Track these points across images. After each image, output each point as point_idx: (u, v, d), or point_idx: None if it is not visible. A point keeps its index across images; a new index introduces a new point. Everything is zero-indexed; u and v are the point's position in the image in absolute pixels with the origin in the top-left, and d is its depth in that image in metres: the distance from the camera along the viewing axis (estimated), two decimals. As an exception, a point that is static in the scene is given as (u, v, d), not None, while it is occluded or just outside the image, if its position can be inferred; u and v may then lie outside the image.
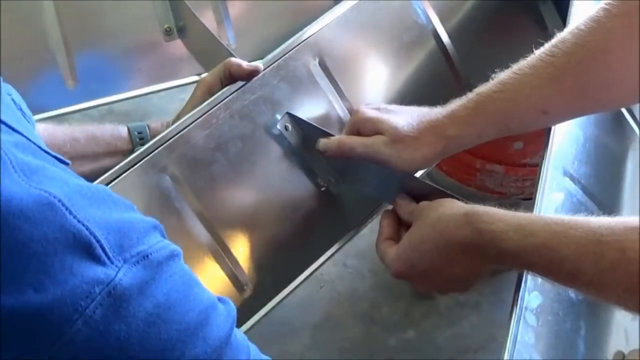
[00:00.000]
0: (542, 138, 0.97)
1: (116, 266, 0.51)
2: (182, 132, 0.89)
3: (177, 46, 1.31)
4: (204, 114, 0.91)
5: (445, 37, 1.10)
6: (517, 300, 0.81)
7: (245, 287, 0.92)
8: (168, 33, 1.28)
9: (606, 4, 0.84)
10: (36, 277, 0.48)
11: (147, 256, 0.53)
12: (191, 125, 0.90)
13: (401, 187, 0.93)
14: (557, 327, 0.85)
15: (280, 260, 0.96)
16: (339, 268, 1.94)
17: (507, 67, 0.91)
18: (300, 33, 1.00)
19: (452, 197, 0.88)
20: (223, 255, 0.90)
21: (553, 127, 0.96)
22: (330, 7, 1.04)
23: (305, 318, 1.87)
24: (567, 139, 0.97)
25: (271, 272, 0.95)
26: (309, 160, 0.97)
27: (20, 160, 0.51)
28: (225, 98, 0.93)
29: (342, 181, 0.99)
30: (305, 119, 0.97)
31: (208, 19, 1.29)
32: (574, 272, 0.71)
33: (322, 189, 0.98)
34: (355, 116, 0.95)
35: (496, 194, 1.63)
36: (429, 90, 1.08)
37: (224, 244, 0.91)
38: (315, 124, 0.97)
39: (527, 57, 0.89)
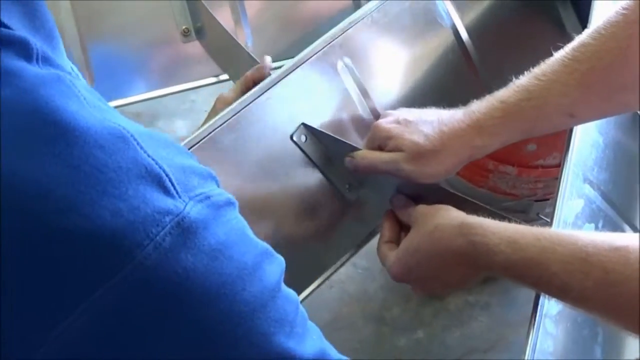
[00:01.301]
0: (555, 140, 0.97)
1: (184, 201, 0.53)
2: (210, 135, 0.89)
3: (194, 47, 1.30)
4: (232, 117, 0.91)
5: (465, 36, 1.10)
6: (537, 307, 0.81)
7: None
8: (186, 34, 1.27)
9: (623, 9, 0.84)
10: (112, 202, 0.50)
11: (209, 197, 0.55)
12: (219, 128, 0.90)
13: (421, 193, 0.94)
14: (575, 334, 0.86)
15: (298, 263, 0.95)
16: (349, 268, 1.94)
17: (524, 66, 0.90)
18: (328, 34, 1.00)
19: (474, 203, 0.92)
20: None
21: (573, 134, 0.96)
22: (347, 8, 1.04)
23: (315, 318, 1.84)
24: (587, 145, 0.97)
25: (288, 275, 0.95)
26: (327, 168, 0.98)
27: (91, 100, 0.54)
28: (252, 101, 0.93)
29: (360, 187, 1.00)
30: (321, 130, 0.97)
31: (225, 20, 1.29)
32: (562, 287, 0.73)
33: (345, 192, 0.99)
34: (375, 132, 0.95)
35: (508, 196, 1.62)
36: (449, 89, 1.09)
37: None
38: (332, 134, 0.97)
39: (546, 60, 0.89)
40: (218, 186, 0.59)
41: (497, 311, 1.83)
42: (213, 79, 1.33)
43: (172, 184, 0.53)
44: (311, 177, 0.97)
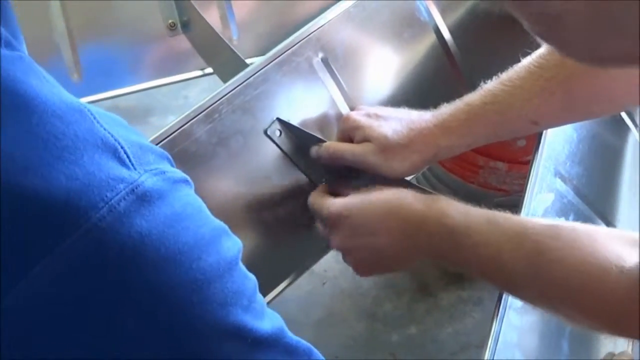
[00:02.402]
0: (546, 136, 0.98)
1: (139, 172, 0.56)
2: (184, 127, 0.91)
3: (182, 41, 1.32)
4: (206, 109, 0.92)
5: (447, 34, 1.11)
6: (501, 299, 0.83)
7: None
8: (172, 28, 1.29)
9: None
10: (67, 166, 0.53)
11: (164, 172, 0.57)
12: (193, 120, 0.91)
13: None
14: (541, 327, 0.87)
15: (277, 256, 0.98)
16: (342, 264, 1.94)
17: (509, 64, 0.92)
18: (304, 29, 1.01)
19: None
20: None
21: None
22: (333, 4, 1.05)
23: (308, 314, 1.88)
24: (559, 139, 0.99)
25: (267, 268, 0.96)
26: (303, 163, 0.99)
27: (51, 79, 0.57)
28: (228, 93, 0.94)
29: (337, 181, 1.00)
30: (295, 125, 0.98)
31: (212, 15, 1.31)
32: (496, 259, 0.76)
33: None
34: (345, 123, 0.97)
35: (499, 191, 1.63)
36: (431, 88, 1.09)
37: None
38: (305, 129, 0.98)
39: (514, 66, 0.91)
40: (173, 166, 0.61)
41: (490, 307, 1.83)
42: (199, 72, 1.35)
43: (128, 156, 0.56)
44: (287, 172, 0.99)
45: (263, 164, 0.97)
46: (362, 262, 0.90)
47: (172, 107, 2.26)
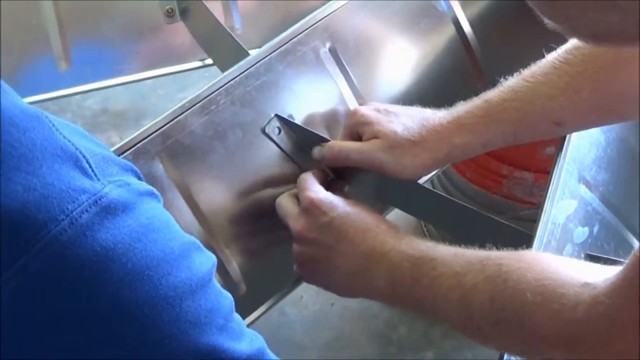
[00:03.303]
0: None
1: (102, 183, 0.57)
2: (178, 118, 0.93)
3: (180, 29, 1.34)
4: (202, 99, 0.95)
5: (466, 26, 1.13)
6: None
7: (238, 285, 0.96)
8: (170, 15, 1.32)
9: None
10: (24, 177, 0.54)
11: (129, 184, 0.59)
12: (188, 111, 0.94)
13: (402, 194, 0.97)
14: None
15: (278, 259, 1.00)
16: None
17: (533, 60, 0.94)
18: (311, 15, 1.03)
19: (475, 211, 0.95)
20: (216, 250, 0.94)
21: None
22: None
23: (314, 337, 1.90)
24: (585, 142, 1.00)
25: (268, 272, 1.00)
26: (305, 163, 1.00)
27: (7, 87, 0.59)
28: (227, 83, 0.97)
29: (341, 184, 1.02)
30: (295, 122, 1.00)
31: (213, 1, 1.33)
32: (453, 289, 0.79)
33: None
34: (352, 118, 0.99)
35: (525, 204, 1.64)
36: (447, 84, 1.11)
37: (216, 238, 0.95)
38: (307, 127, 1.00)
39: (538, 62, 0.93)
40: (140, 179, 0.63)
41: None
42: (198, 63, 1.38)
43: (90, 166, 0.58)
44: (289, 172, 1.01)
45: (262, 161, 0.99)
46: (309, 264, 0.92)
47: (168, 110, 2.27)
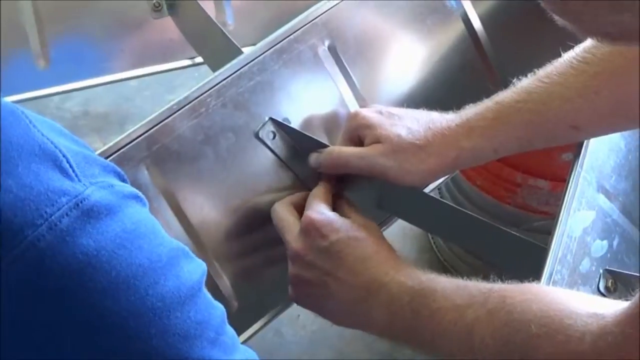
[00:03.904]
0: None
1: (84, 184, 0.57)
2: (165, 121, 0.93)
3: (167, 25, 1.34)
4: (191, 101, 0.95)
5: (477, 23, 1.13)
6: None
7: (229, 302, 0.96)
8: (157, 9, 1.32)
9: None
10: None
11: (112, 186, 0.59)
12: (176, 114, 0.94)
13: (407, 203, 0.97)
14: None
15: (272, 274, 1.00)
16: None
17: (548, 59, 0.94)
18: (309, 11, 1.04)
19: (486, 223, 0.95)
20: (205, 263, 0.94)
21: None
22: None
23: (314, 357, 1.91)
24: (604, 148, 1.00)
25: (261, 287, 1.00)
26: (301, 170, 1.00)
27: None
28: (218, 84, 0.97)
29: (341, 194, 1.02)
30: (291, 126, 1.00)
31: (205, -5, 1.33)
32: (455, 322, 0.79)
33: None
34: (353, 121, 0.99)
35: (540, 214, 1.64)
36: (456, 85, 1.11)
37: (206, 251, 0.95)
38: (304, 132, 1.00)
39: (553, 61, 0.93)
40: (124, 182, 0.64)
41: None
42: (187, 62, 1.38)
43: (71, 166, 0.58)
44: (285, 179, 1.01)
45: (256, 168, 0.99)
46: (303, 287, 0.92)
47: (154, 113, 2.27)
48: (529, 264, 0.91)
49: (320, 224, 0.90)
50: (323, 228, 0.89)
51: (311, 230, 0.90)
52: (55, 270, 0.55)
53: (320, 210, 0.91)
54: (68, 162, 0.58)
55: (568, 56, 0.92)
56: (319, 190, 0.96)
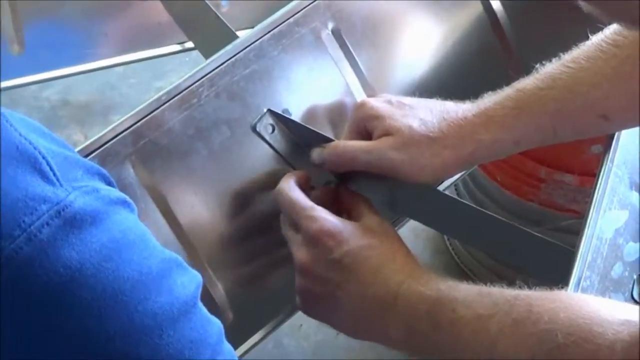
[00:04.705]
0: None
1: (66, 190, 0.57)
2: (153, 114, 0.93)
3: (155, 6, 1.34)
4: (182, 91, 0.95)
5: (496, 2, 1.13)
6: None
7: (224, 313, 0.96)
8: (145, -10, 1.32)
9: None
10: None
11: (98, 190, 0.59)
12: (165, 105, 0.94)
13: (420, 202, 0.97)
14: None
15: (272, 281, 1.00)
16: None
17: (575, 43, 0.94)
18: (311, -9, 1.03)
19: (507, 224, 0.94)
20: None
21: None
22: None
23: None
24: (637, 141, 0.99)
25: (259, 296, 1.00)
26: (303, 166, 1.00)
27: None
28: (211, 72, 0.97)
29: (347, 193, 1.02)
30: (292, 118, 1.00)
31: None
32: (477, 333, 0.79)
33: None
34: (360, 112, 0.98)
35: (566, 212, 1.64)
36: (473, 72, 1.11)
37: (198, 257, 0.95)
38: (306, 125, 1.00)
39: (580, 45, 0.93)
40: (111, 185, 0.64)
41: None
42: (177, 47, 1.38)
43: (52, 169, 0.58)
44: (281, 175, 0.98)
45: (253, 165, 0.99)
46: (312, 299, 0.91)
47: (142, 103, 2.25)
48: (554, 268, 0.91)
49: (328, 233, 0.89)
50: (331, 238, 0.88)
51: (318, 241, 0.89)
52: (35, 286, 0.55)
53: (323, 216, 0.90)
54: (48, 164, 0.58)
55: (597, 39, 0.92)
56: (320, 192, 0.96)
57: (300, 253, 0.90)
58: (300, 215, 0.90)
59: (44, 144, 0.59)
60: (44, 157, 0.58)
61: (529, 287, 0.80)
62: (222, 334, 0.67)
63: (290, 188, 0.93)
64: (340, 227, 0.89)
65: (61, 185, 0.58)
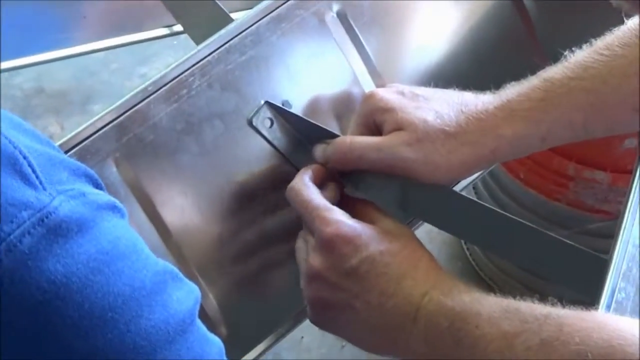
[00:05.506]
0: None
1: (50, 194, 0.57)
2: (138, 106, 0.93)
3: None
4: (170, 81, 0.95)
5: (520, -17, 1.13)
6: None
7: (217, 327, 0.96)
8: (126, -34, 1.32)
9: None
10: None
11: (84, 194, 0.59)
12: (152, 96, 0.94)
13: (435, 204, 0.97)
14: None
15: (269, 291, 1.00)
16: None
17: (607, 28, 0.94)
18: (313, -30, 1.03)
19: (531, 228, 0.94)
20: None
21: None
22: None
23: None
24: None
25: (256, 308, 1.00)
26: (303, 164, 0.99)
27: None
28: (202, 59, 0.97)
29: (352, 188, 1.02)
30: (292, 111, 1.00)
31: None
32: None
33: None
34: (368, 104, 0.98)
35: (597, 213, 1.64)
36: (495, 59, 1.11)
37: (187, 265, 0.95)
38: (308, 119, 1.00)
39: (614, 30, 0.92)
40: (99, 188, 0.64)
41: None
42: (164, 30, 1.38)
43: (34, 171, 0.57)
44: (282, 177, 1.00)
45: (249, 162, 0.99)
46: (325, 310, 0.91)
47: (125, 90, 2.25)
48: (585, 278, 0.91)
49: (344, 239, 0.88)
50: (348, 244, 0.88)
51: (334, 247, 0.88)
52: (16, 303, 0.55)
53: (342, 220, 0.90)
54: (30, 165, 0.58)
55: (632, 23, 0.92)
56: (329, 189, 0.96)
57: (313, 258, 0.90)
58: (313, 216, 0.90)
59: (25, 142, 0.59)
60: (25, 157, 0.58)
61: (563, 304, 0.80)
62: (222, 354, 0.67)
63: (303, 185, 0.93)
64: (358, 230, 0.89)
65: (44, 188, 0.57)
